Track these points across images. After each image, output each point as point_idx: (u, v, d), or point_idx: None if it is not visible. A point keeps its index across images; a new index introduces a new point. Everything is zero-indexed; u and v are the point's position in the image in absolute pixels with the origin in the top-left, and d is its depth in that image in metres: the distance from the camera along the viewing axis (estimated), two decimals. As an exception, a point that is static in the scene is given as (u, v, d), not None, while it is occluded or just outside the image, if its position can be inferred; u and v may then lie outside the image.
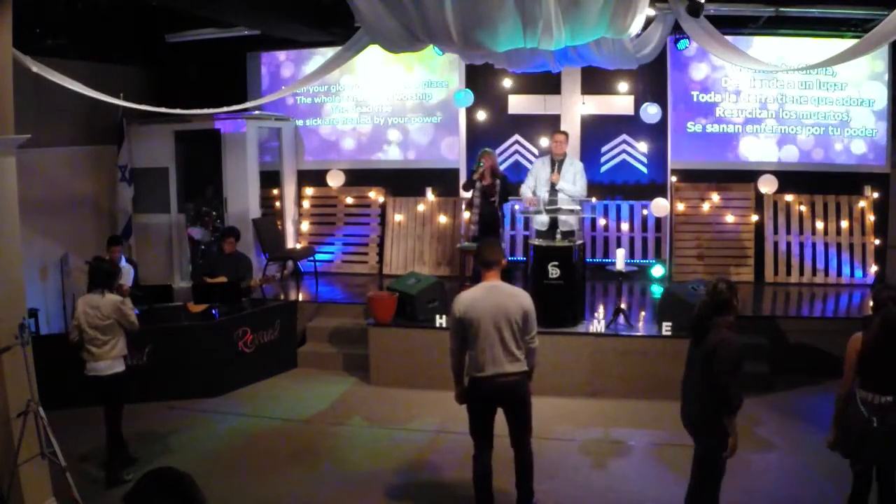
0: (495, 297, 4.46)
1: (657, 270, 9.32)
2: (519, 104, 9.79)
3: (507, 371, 4.44)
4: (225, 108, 7.26)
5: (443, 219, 9.88)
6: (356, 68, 9.86)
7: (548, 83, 9.32)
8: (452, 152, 10.00)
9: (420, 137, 10.08)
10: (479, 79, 9.68)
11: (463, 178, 9.90)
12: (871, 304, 4.23)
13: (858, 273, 9.07)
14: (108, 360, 5.34)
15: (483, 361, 4.43)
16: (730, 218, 9.39)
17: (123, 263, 7.48)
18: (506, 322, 4.41)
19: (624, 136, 9.64)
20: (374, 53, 8.16)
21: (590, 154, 9.58)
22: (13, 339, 4.53)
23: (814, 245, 9.20)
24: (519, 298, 4.49)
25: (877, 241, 9.11)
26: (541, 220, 7.58)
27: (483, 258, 4.63)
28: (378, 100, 10.10)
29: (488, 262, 4.59)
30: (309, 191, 10.40)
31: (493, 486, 4.66)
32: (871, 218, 9.13)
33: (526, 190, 7.80)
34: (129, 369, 5.62)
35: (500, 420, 4.63)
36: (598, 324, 7.07)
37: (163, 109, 6.97)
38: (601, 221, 9.61)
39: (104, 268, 5.56)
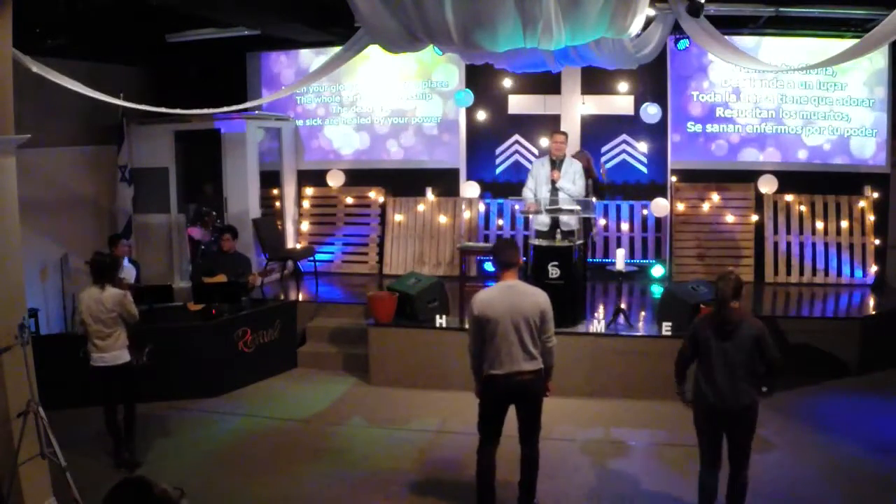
0: (513, 297, 4.51)
1: (657, 270, 9.33)
2: (519, 104, 9.79)
3: (525, 369, 4.50)
4: (225, 108, 7.25)
5: (443, 219, 9.88)
6: (356, 68, 9.86)
7: (548, 83, 9.32)
8: (452, 152, 10.00)
9: (420, 137, 10.08)
10: (479, 79, 9.67)
11: (463, 178, 9.92)
12: None
13: (858, 273, 9.06)
14: (115, 351, 5.55)
15: (501, 359, 4.48)
16: (730, 218, 9.40)
17: (126, 264, 7.47)
18: (523, 321, 4.46)
19: (624, 136, 9.64)
20: (374, 53, 8.16)
21: (590, 154, 9.56)
22: (13, 339, 4.53)
23: (814, 245, 9.20)
24: (536, 297, 4.55)
25: (877, 241, 9.11)
26: (541, 221, 7.58)
27: (501, 259, 4.67)
28: (378, 100, 10.10)
29: (506, 263, 4.63)
30: (309, 191, 10.40)
31: (495, 480, 4.67)
32: (871, 218, 9.13)
33: (528, 193, 7.78)
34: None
35: (509, 420, 4.65)
36: (598, 324, 7.07)
37: (163, 109, 6.96)
38: (601, 221, 9.61)
39: (104, 261, 5.73)
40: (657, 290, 8.75)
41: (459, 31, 5.73)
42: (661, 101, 9.39)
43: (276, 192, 10.14)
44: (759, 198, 9.37)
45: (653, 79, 9.37)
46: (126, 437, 5.69)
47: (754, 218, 9.36)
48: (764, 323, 4.40)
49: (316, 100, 10.30)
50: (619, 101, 9.58)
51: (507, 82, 9.68)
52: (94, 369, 5.55)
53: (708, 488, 4.48)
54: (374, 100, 10.11)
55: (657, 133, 9.54)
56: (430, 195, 9.99)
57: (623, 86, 9.49)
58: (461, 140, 9.96)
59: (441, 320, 7.19)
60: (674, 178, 9.56)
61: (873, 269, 9.06)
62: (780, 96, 9.29)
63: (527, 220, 9.09)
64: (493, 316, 4.47)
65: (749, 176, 9.39)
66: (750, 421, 4.32)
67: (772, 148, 9.39)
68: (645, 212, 9.57)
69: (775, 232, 9.28)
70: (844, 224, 9.15)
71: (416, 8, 5.65)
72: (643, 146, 9.61)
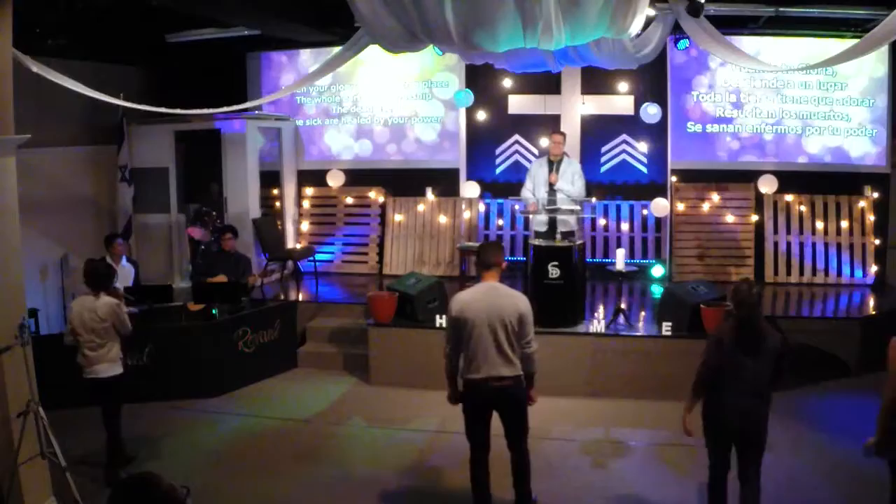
0: (492, 298, 4.45)
1: (657, 270, 9.33)
2: (519, 104, 9.79)
3: (502, 374, 4.41)
4: (225, 108, 7.25)
5: (443, 219, 9.88)
6: (356, 68, 9.86)
7: (548, 83, 9.32)
8: (452, 152, 10.00)
9: (420, 137, 10.08)
10: (479, 79, 9.68)
11: (463, 178, 9.93)
12: None
13: (858, 273, 9.06)
14: (106, 364, 5.33)
15: (477, 363, 4.41)
16: (730, 218, 9.39)
17: (125, 263, 7.47)
18: (500, 323, 4.38)
19: (624, 136, 9.64)
20: (374, 53, 8.15)
21: (590, 154, 9.59)
22: (13, 339, 4.53)
23: (814, 245, 9.20)
24: (515, 300, 4.47)
25: (877, 241, 9.11)
26: (541, 221, 7.58)
27: (483, 259, 4.62)
28: (378, 99, 10.10)
29: (488, 264, 4.58)
30: (309, 191, 10.40)
31: (490, 486, 4.65)
32: (871, 218, 9.13)
33: (527, 193, 7.78)
34: (127, 371, 5.60)
35: (499, 420, 4.63)
36: (598, 324, 7.07)
37: (163, 109, 6.96)
38: (601, 221, 9.61)
39: (99, 269, 5.48)
40: (657, 290, 8.74)
41: (459, 31, 5.73)
42: (661, 101, 9.39)
43: (276, 192, 10.14)
44: (760, 198, 9.37)
45: (653, 79, 9.37)
46: (108, 454, 5.38)
47: (754, 218, 9.36)
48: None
49: (317, 100, 10.29)
50: (619, 101, 9.58)
51: (507, 82, 9.68)
52: (85, 382, 5.34)
53: (719, 495, 4.35)
54: (375, 101, 10.10)
55: (657, 133, 9.54)
56: (430, 195, 9.99)
57: (623, 86, 9.49)
58: (461, 140, 9.96)
59: (441, 320, 7.17)
60: (674, 178, 9.56)
61: (873, 269, 9.06)
62: (780, 97, 9.29)
63: (527, 220, 9.09)
64: (470, 317, 4.39)
65: (749, 176, 9.39)
66: (762, 434, 4.15)
67: (772, 148, 9.39)
68: (645, 212, 9.57)
69: (775, 232, 9.28)
70: (844, 224, 9.15)
71: (416, 8, 5.64)
72: (643, 146, 9.61)
